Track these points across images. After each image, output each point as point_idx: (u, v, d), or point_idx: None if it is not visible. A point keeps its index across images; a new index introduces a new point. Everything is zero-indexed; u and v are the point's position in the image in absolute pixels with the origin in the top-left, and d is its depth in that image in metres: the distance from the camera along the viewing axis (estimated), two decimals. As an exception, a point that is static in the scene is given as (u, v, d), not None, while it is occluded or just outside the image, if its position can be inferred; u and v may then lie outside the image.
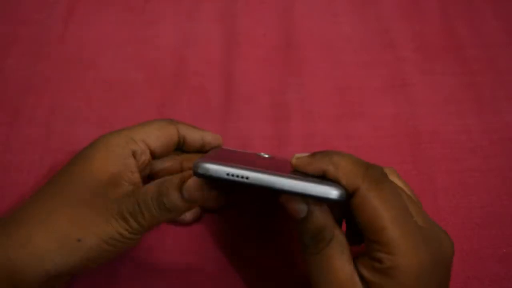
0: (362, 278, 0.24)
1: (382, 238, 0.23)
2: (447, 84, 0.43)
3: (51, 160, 0.38)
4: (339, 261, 0.24)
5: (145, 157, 0.31)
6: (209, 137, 0.33)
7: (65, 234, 0.26)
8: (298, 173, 0.26)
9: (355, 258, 0.25)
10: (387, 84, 0.43)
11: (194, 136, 0.33)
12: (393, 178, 0.28)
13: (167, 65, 0.44)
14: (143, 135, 0.30)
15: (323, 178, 0.25)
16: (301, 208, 0.25)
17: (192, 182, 0.27)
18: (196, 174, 0.25)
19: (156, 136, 0.31)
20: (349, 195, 0.24)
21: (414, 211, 0.25)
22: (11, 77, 0.43)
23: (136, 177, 0.29)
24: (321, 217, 0.25)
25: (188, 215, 0.34)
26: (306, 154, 0.26)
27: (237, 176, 0.24)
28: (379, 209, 0.23)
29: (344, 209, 0.27)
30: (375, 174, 0.24)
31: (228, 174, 0.25)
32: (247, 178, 0.24)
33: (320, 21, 0.46)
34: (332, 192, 0.23)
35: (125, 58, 0.44)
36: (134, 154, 0.30)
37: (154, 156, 0.32)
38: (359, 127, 0.40)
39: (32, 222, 0.27)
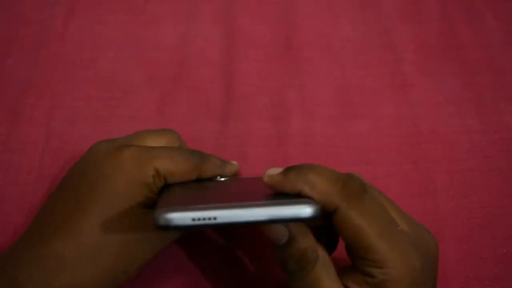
0: None
1: (371, 255, 0.23)
2: (447, 84, 0.43)
3: (51, 160, 0.38)
4: (327, 282, 0.24)
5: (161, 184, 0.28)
6: (229, 172, 0.32)
7: (113, 270, 0.26)
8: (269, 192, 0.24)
9: (343, 274, 0.25)
10: (387, 84, 0.43)
11: (213, 174, 0.30)
12: (368, 185, 0.26)
13: (167, 65, 0.44)
14: (167, 173, 0.27)
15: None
16: (282, 234, 0.24)
17: None
18: (159, 227, 0.22)
19: (177, 176, 0.28)
20: (326, 211, 0.23)
21: (397, 216, 0.25)
22: (11, 77, 0.43)
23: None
24: (303, 240, 0.24)
25: None
26: (278, 170, 0.25)
27: (204, 219, 0.22)
28: (362, 226, 0.23)
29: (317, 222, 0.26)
30: (353, 189, 0.23)
31: (194, 220, 0.22)
32: (214, 218, 0.22)
33: (320, 21, 0.46)
34: (306, 211, 0.22)
35: (125, 58, 0.44)
36: (154, 183, 0.27)
37: None
38: (359, 127, 0.40)
39: (78, 261, 0.25)
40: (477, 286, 0.33)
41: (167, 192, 0.28)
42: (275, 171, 0.25)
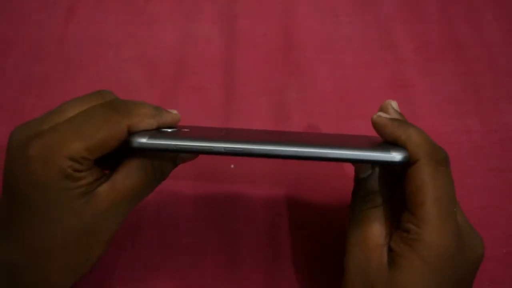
0: (390, 250, 0.25)
1: (419, 211, 0.24)
2: (447, 84, 0.43)
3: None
4: (377, 228, 0.26)
5: (91, 165, 0.25)
6: (166, 122, 0.28)
7: (74, 263, 0.26)
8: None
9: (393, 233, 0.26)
10: (387, 84, 0.43)
11: (147, 127, 0.27)
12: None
13: (167, 65, 0.44)
14: (85, 152, 0.24)
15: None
16: (367, 170, 0.28)
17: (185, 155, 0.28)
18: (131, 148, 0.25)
19: (101, 150, 0.25)
20: (408, 162, 0.25)
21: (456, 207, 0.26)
22: (11, 77, 0.43)
23: (94, 174, 0.26)
24: (375, 183, 0.27)
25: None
26: (386, 115, 0.29)
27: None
28: (427, 184, 0.24)
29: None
30: (438, 155, 0.25)
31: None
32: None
33: (320, 21, 0.46)
34: (396, 156, 0.24)
35: (125, 58, 0.44)
36: (77, 170, 0.25)
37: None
38: (359, 127, 0.40)
39: (40, 266, 0.26)
40: (478, 285, 0.33)
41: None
42: (384, 115, 0.29)
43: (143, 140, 0.25)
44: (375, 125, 0.28)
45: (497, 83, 0.43)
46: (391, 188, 0.28)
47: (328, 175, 0.38)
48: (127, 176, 0.26)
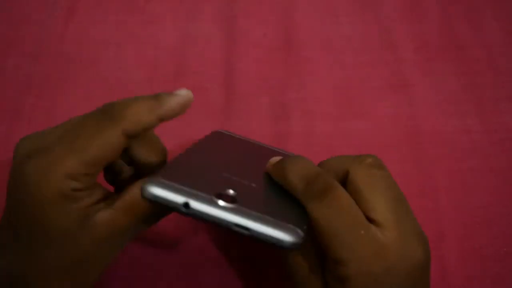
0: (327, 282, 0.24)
1: (327, 252, 0.23)
2: (447, 84, 0.43)
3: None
4: (305, 265, 0.25)
5: (91, 183, 0.24)
6: (170, 111, 0.25)
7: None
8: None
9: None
10: (388, 84, 0.43)
11: (146, 125, 0.24)
12: (375, 169, 0.25)
13: (167, 64, 0.44)
14: (82, 167, 0.23)
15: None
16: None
17: None
18: (143, 197, 0.23)
19: (99, 162, 0.23)
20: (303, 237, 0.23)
21: (388, 211, 0.24)
22: (11, 77, 0.43)
23: (94, 197, 0.24)
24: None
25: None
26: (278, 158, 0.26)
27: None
28: (321, 225, 0.23)
29: None
30: (315, 188, 0.23)
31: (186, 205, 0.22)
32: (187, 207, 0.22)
33: (320, 21, 0.47)
34: (285, 238, 0.22)
35: (125, 58, 0.44)
36: (76, 190, 0.23)
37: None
38: (359, 127, 0.40)
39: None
40: (478, 285, 0.33)
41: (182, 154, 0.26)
42: (275, 159, 0.27)
43: (151, 190, 0.23)
44: (273, 177, 0.26)
45: (497, 83, 0.43)
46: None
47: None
48: (130, 205, 0.24)
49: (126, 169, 0.29)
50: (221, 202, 0.22)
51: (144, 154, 0.26)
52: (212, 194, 0.23)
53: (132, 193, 0.24)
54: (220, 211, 0.22)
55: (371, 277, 0.22)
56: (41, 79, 0.43)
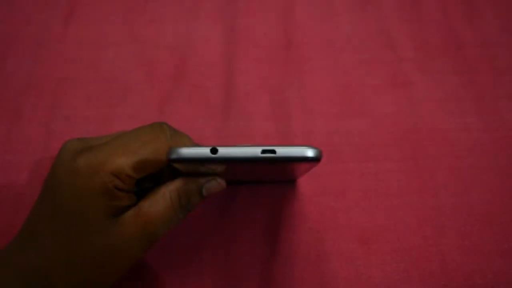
0: None
1: None
2: (447, 82, 0.43)
3: (51, 160, 0.38)
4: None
5: (131, 186, 0.27)
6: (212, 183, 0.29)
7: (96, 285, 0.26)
8: None
9: None
10: (388, 83, 0.43)
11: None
12: None
13: (167, 64, 0.44)
14: (129, 169, 0.25)
15: None
16: None
17: (212, 183, 0.28)
18: (173, 160, 0.25)
19: (145, 168, 0.26)
20: None
21: None
22: (11, 77, 0.43)
23: (128, 200, 0.27)
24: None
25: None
26: None
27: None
28: None
29: None
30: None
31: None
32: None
33: (321, 20, 0.47)
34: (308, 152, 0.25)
35: (126, 58, 0.44)
36: (117, 188, 0.26)
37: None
38: (359, 125, 0.40)
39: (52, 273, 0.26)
40: (480, 279, 0.33)
41: None
42: None
43: (182, 150, 0.25)
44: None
45: (496, 81, 0.43)
46: None
47: (328, 173, 0.38)
48: (152, 202, 0.27)
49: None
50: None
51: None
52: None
53: (153, 192, 0.27)
54: (244, 146, 0.25)
55: None
56: (41, 79, 0.43)
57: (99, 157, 0.25)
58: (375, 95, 0.42)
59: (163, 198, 0.27)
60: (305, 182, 0.38)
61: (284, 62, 0.44)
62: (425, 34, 0.46)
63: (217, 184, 0.28)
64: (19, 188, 0.37)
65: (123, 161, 0.25)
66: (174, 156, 0.25)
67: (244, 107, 0.41)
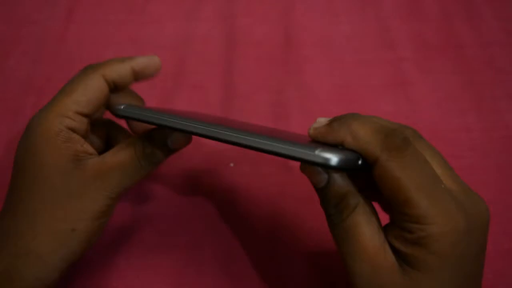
0: (394, 249, 0.22)
1: (409, 209, 0.21)
2: (446, 82, 0.43)
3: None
4: (367, 229, 0.22)
5: (83, 125, 0.28)
6: (140, 63, 0.30)
7: (60, 230, 0.26)
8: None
9: (385, 229, 0.23)
10: (387, 83, 0.43)
11: (122, 72, 0.29)
12: (417, 139, 0.24)
13: (167, 64, 0.43)
14: (72, 105, 0.27)
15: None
16: (322, 177, 0.23)
17: (177, 134, 0.28)
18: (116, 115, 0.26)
19: (86, 100, 0.28)
20: (368, 163, 0.22)
21: (444, 174, 0.23)
22: (11, 77, 0.43)
23: (89, 147, 0.28)
24: (343, 183, 0.23)
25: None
26: (325, 120, 0.24)
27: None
28: (401, 179, 0.21)
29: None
30: (395, 141, 0.22)
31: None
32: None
33: (320, 20, 0.47)
34: (331, 159, 0.20)
35: (125, 58, 0.44)
36: (70, 129, 0.27)
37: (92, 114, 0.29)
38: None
39: (26, 232, 0.26)
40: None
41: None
42: (321, 122, 0.24)
43: (120, 107, 0.26)
44: (316, 139, 0.24)
45: (496, 81, 0.43)
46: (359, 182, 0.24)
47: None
48: (116, 151, 0.28)
49: None
50: None
51: (125, 101, 0.30)
52: None
53: (119, 143, 0.28)
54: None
55: (458, 234, 0.21)
56: (41, 79, 0.43)
57: (45, 107, 0.28)
58: (374, 95, 0.42)
59: (127, 146, 0.28)
60: (305, 183, 0.38)
61: (284, 62, 0.44)
62: (424, 34, 0.46)
63: (183, 136, 0.28)
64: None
65: (65, 99, 0.27)
66: (120, 112, 0.26)
67: (243, 106, 0.41)
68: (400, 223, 0.22)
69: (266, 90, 0.42)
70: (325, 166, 0.20)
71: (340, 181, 0.23)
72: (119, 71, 0.29)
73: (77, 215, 0.27)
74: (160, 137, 0.28)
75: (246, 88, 0.42)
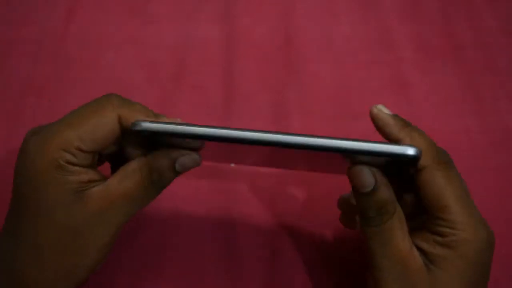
0: (420, 251, 0.26)
1: (447, 214, 0.25)
2: (447, 84, 0.43)
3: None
4: (400, 233, 0.25)
5: (87, 160, 0.25)
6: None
7: (63, 266, 0.25)
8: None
9: (411, 233, 0.26)
10: (387, 84, 0.43)
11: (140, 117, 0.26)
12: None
13: (167, 64, 0.44)
14: (76, 141, 0.25)
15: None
16: (369, 181, 0.25)
17: (185, 157, 0.26)
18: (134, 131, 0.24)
19: (91, 140, 0.25)
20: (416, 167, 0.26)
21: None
22: (11, 77, 0.43)
23: (92, 173, 0.26)
24: (388, 191, 0.25)
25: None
26: (388, 111, 0.27)
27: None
28: (445, 188, 0.25)
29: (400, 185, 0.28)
30: (444, 157, 0.26)
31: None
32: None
33: (320, 20, 0.47)
34: (411, 151, 0.23)
35: (126, 58, 0.44)
36: (70, 163, 0.25)
37: (100, 152, 0.27)
38: (358, 127, 0.40)
39: (30, 264, 0.25)
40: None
41: None
42: (386, 110, 0.27)
43: (144, 123, 0.24)
44: (376, 120, 0.27)
45: (496, 83, 0.43)
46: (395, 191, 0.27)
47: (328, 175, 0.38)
48: (122, 178, 0.25)
49: None
50: None
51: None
52: None
53: (123, 167, 0.26)
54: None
55: (482, 244, 0.25)
56: (41, 79, 0.43)
57: (45, 135, 0.25)
58: (374, 96, 0.42)
59: (133, 173, 0.25)
60: (306, 184, 0.38)
61: (284, 63, 0.44)
62: (424, 35, 0.46)
63: (191, 159, 0.26)
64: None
65: (69, 133, 0.24)
66: (136, 127, 0.24)
67: (243, 107, 0.41)
68: (434, 227, 0.25)
69: (266, 91, 0.42)
70: (412, 158, 0.23)
71: (385, 188, 0.26)
72: (138, 117, 0.26)
73: (80, 251, 0.25)
74: (168, 161, 0.26)
75: (246, 88, 0.42)
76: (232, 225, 0.36)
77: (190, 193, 0.37)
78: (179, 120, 0.27)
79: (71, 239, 0.25)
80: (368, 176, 0.25)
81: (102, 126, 0.25)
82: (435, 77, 0.43)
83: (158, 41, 0.45)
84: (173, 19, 0.46)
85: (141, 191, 0.26)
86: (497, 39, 0.45)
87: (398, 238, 0.25)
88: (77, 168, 0.25)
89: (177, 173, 0.26)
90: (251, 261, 0.35)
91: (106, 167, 0.29)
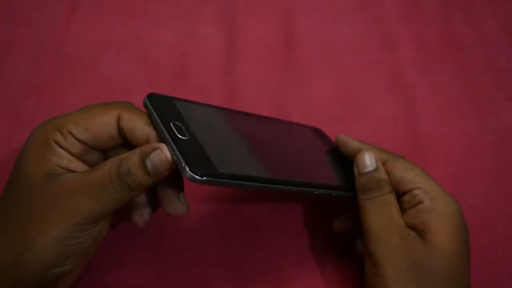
0: (412, 228, 0.28)
1: (418, 185, 0.29)
2: (447, 85, 0.43)
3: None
4: (397, 209, 0.29)
5: (75, 149, 0.25)
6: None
7: (15, 249, 0.24)
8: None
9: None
10: (387, 85, 0.43)
11: (138, 132, 0.26)
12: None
13: (167, 65, 0.44)
14: (70, 125, 0.25)
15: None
16: (372, 163, 0.30)
17: (156, 154, 0.24)
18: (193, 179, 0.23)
19: (84, 127, 0.25)
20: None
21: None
22: (11, 78, 0.43)
23: (77, 164, 0.25)
24: (385, 174, 0.30)
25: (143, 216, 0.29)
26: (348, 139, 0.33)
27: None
28: (405, 172, 0.30)
29: None
30: (390, 152, 0.32)
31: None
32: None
33: (321, 21, 0.47)
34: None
35: (126, 58, 0.44)
36: (57, 143, 0.25)
37: (93, 147, 0.26)
38: (359, 128, 0.41)
39: None
40: (474, 285, 0.33)
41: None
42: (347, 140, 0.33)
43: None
44: (339, 144, 0.33)
45: (496, 83, 0.43)
46: None
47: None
48: (93, 170, 0.24)
49: None
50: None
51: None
52: None
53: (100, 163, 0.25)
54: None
55: (454, 203, 0.29)
56: (41, 79, 0.43)
57: (53, 117, 0.26)
58: (374, 96, 0.42)
59: (103, 164, 0.24)
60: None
61: (284, 64, 0.44)
62: (424, 36, 0.46)
63: (162, 158, 0.24)
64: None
65: (69, 117, 0.25)
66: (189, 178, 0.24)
67: (244, 108, 0.41)
68: (412, 201, 0.29)
69: (266, 91, 0.42)
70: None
71: (383, 171, 0.30)
72: (136, 121, 0.26)
73: (34, 235, 0.24)
74: (138, 155, 0.24)
75: (246, 88, 0.42)
76: (236, 227, 0.36)
77: (190, 193, 0.37)
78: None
79: (25, 219, 0.24)
80: (371, 159, 0.30)
81: (99, 117, 0.26)
82: (435, 78, 0.43)
83: (158, 41, 0.45)
84: (173, 19, 0.46)
85: (106, 184, 0.24)
86: (497, 39, 0.45)
87: (394, 212, 0.28)
88: (62, 151, 0.25)
89: (147, 174, 0.24)
90: (255, 264, 0.35)
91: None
